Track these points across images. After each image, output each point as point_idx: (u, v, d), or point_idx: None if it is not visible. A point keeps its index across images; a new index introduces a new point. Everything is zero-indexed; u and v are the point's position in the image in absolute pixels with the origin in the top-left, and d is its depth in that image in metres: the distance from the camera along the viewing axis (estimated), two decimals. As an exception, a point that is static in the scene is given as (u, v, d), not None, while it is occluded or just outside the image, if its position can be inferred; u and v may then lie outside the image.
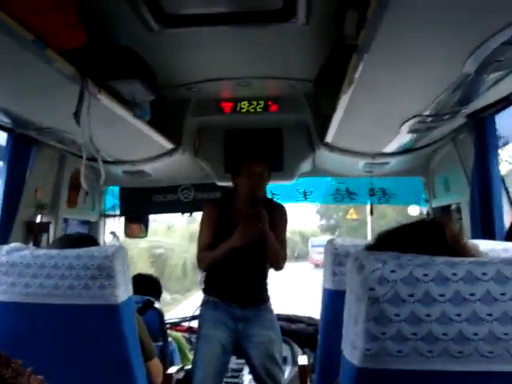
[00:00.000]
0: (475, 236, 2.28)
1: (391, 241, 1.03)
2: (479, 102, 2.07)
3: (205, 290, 2.84)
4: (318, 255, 27.56)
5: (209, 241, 2.75)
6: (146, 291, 3.00)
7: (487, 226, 2.24)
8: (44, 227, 2.85)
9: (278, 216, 2.81)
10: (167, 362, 2.92)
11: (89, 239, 1.99)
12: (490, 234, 2.19)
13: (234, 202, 2.79)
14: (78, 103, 1.80)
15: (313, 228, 37.74)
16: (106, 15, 1.91)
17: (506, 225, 2.25)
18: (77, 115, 1.83)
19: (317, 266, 26.73)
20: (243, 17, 1.96)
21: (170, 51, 2.30)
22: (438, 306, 0.82)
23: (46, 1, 1.49)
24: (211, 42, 2.19)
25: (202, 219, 2.85)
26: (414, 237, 0.99)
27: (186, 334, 3.72)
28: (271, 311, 2.86)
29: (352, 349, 0.87)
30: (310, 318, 4.06)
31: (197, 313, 2.94)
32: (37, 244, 2.72)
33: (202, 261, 2.77)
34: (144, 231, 4.23)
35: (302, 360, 2.88)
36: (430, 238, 0.98)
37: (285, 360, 3.41)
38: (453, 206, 3.26)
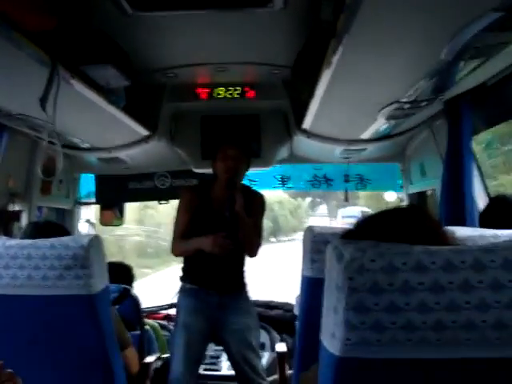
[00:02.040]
0: (446, 221, 2.30)
1: (370, 228, 1.02)
2: (456, 89, 2.08)
3: (182, 278, 2.83)
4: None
5: (184, 228, 2.73)
6: (117, 279, 2.96)
7: (459, 212, 2.26)
8: (15, 216, 2.79)
9: (255, 203, 2.80)
10: (145, 350, 2.90)
11: (58, 227, 1.95)
12: (461, 220, 2.21)
13: (212, 188, 2.77)
14: (46, 88, 1.75)
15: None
16: None
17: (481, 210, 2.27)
18: (43, 100, 1.77)
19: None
20: (220, 1, 1.92)
21: (145, 35, 2.25)
22: (417, 294, 0.82)
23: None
24: (187, 26, 2.15)
25: (179, 205, 2.83)
26: (393, 224, 0.99)
27: (164, 322, 3.71)
28: (248, 298, 2.86)
29: (331, 338, 0.86)
30: (286, 303, 4.08)
31: (174, 300, 2.92)
32: (8, 233, 2.67)
33: (175, 249, 2.77)
34: (120, 218, 4.18)
35: (281, 346, 2.90)
36: (409, 225, 0.97)
37: (263, 346, 3.43)
38: (428, 192, 3.29)
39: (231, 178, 2.65)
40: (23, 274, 1.55)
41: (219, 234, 2.59)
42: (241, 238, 2.67)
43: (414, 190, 3.43)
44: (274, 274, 13.35)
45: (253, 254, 2.79)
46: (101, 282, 1.60)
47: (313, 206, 35.15)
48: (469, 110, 2.25)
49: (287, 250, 18.07)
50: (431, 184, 3.06)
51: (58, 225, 2.07)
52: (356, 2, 1.28)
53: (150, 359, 2.70)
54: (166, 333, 3.56)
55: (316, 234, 1.71)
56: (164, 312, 3.96)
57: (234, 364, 2.75)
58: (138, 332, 2.92)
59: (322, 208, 35.39)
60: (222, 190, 2.68)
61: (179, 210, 2.80)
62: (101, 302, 1.59)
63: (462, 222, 2.19)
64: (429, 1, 1.26)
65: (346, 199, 3.98)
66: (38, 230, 1.87)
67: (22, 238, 1.81)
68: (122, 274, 3.23)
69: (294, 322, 1.93)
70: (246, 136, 3.19)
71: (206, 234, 2.64)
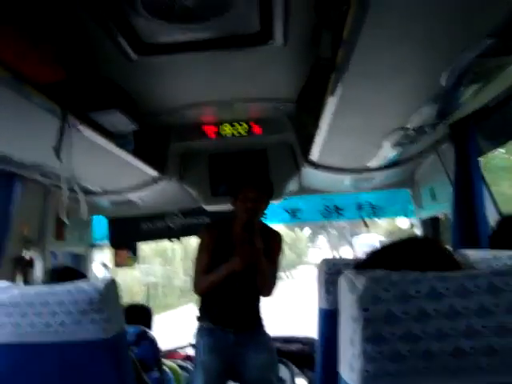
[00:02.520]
0: (459, 245, 2.28)
1: (382, 258, 1.02)
2: (460, 112, 2.10)
3: (199, 318, 2.81)
4: None
5: (206, 265, 2.72)
6: (137, 321, 2.96)
7: (472, 235, 2.25)
8: (31, 262, 2.82)
9: (273, 243, 2.79)
10: (163, 392, 2.87)
11: (75, 272, 1.97)
12: (474, 243, 2.19)
13: (232, 227, 2.77)
14: (59, 137, 1.80)
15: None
16: (84, 47, 1.91)
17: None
18: (57, 149, 1.82)
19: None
20: (221, 42, 1.97)
21: (150, 79, 2.30)
22: (433, 321, 0.82)
23: (21, 37, 1.49)
24: (191, 68, 2.20)
25: (200, 243, 2.83)
26: (405, 255, 0.99)
27: (183, 363, 3.67)
28: (266, 334, 2.83)
29: (350, 370, 0.86)
30: (306, 337, 4.03)
31: (192, 340, 2.90)
32: (25, 279, 2.68)
33: (199, 285, 2.74)
34: (134, 259, 4.19)
35: (301, 381, 2.85)
36: (421, 256, 0.98)
37: (283, 382, 3.37)
38: (441, 216, 3.28)
39: (249, 221, 2.65)
40: (41, 321, 1.55)
41: (240, 246, 2.60)
42: (258, 280, 2.67)
43: (425, 214, 3.41)
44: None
45: (268, 295, 2.77)
46: (117, 325, 1.60)
47: (313, 237, 33.89)
48: (474, 131, 2.26)
49: (287, 291, 17.16)
50: (442, 208, 3.05)
51: (75, 270, 2.08)
52: (353, 36, 1.31)
53: (169, 401, 2.67)
54: (185, 373, 3.52)
55: (330, 265, 1.71)
56: (183, 352, 3.93)
57: None
58: (157, 374, 2.89)
59: (322, 239, 34.04)
60: (241, 230, 2.67)
61: (200, 248, 2.80)
62: (118, 345, 1.58)
63: (476, 244, 2.17)
64: (424, 31, 1.29)
65: (366, 225, 3.97)
66: (58, 276, 1.88)
67: (41, 284, 1.82)
68: (142, 315, 3.23)
69: (314, 356, 1.91)
70: (254, 172, 3.22)
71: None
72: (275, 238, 2.82)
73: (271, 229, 2.90)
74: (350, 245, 29.40)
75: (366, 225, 3.94)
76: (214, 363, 2.65)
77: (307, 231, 31.89)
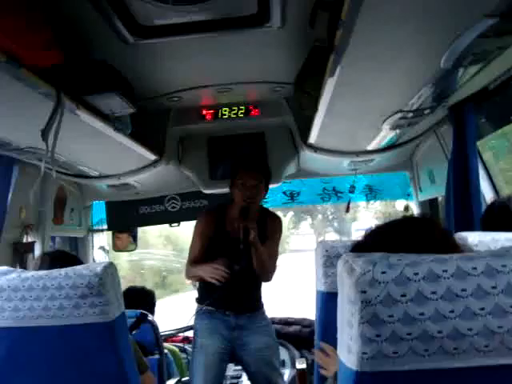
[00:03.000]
0: (455, 227, 2.29)
1: (379, 239, 1.02)
2: (459, 94, 2.09)
3: (198, 300, 2.83)
4: None
5: (199, 253, 2.73)
6: (139, 304, 2.98)
7: (468, 217, 2.25)
8: (30, 247, 2.82)
9: (272, 227, 2.80)
10: (164, 374, 2.90)
11: (69, 256, 1.97)
12: (470, 225, 2.20)
13: (228, 212, 2.77)
14: (49, 119, 1.78)
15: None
16: (81, 30, 1.89)
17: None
18: (45, 132, 1.80)
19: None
20: (218, 24, 1.95)
21: (148, 62, 2.28)
22: (431, 303, 0.82)
23: (18, 20, 1.47)
24: (188, 50, 2.18)
25: (195, 229, 2.83)
26: (403, 235, 0.99)
27: (182, 345, 3.70)
28: (265, 317, 2.86)
29: (348, 353, 0.86)
30: (304, 319, 4.06)
31: (191, 323, 2.92)
32: (24, 264, 2.69)
33: (188, 273, 2.77)
34: (133, 244, 4.20)
35: (300, 363, 2.87)
36: (418, 235, 0.98)
37: (283, 363, 3.40)
38: (440, 199, 3.28)
39: (245, 207, 2.65)
40: (40, 305, 1.55)
41: (218, 263, 2.62)
42: (255, 265, 2.67)
43: (424, 197, 3.41)
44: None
45: (267, 279, 2.78)
46: (117, 308, 1.61)
47: (296, 222, 31.78)
48: (473, 114, 2.25)
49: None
50: (441, 190, 3.05)
51: (70, 254, 2.09)
52: (351, 17, 1.30)
53: (170, 383, 2.70)
54: (184, 355, 3.55)
55: (328, 247, 1.71)
56: (181, 335, 3.96)
57: (255, 380, 2.73)
58: (157, 356, 2.92)
59: (304, 225, 32.23)
60: (237, 216, 2.68)
61: (195, 234, 2.81)
62: (118, 328, 1.59)
63: (472, 227, 2.17)
64: (423, 11, 1.28)
65: (348, 210, 3.97)
66: (52, 260, 1.88)
67: (36, 270, 1.82)
68: (144, 299, 3.25)
69: (313, 338, 1.93)
70: (252, 154, 3.21)
71: (218, 257, 2.66)
72: (274, 222, 2.83)
73: (270, 212, 2.91)
74: (337, 231, 28.95)
75: (347, 210, 3.93)
76: (213, 345, 2.68)
77: (290, 214, 29.86)
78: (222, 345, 2.70)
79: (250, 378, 2.81)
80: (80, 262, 1.93)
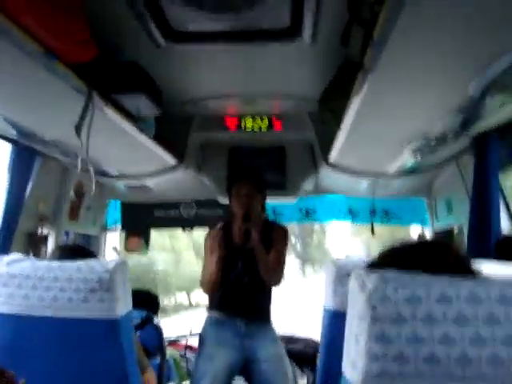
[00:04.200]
0: (473, 258, 2.26)
1: (393, 259, 1.01)
2: (484, 124, 2.07)
3: (208, 307, 2.82)
4: None
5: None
6: (143, 306, 2.98)
7: (486, 249, 2.23)
8: (44, 239, 2.85)
9: (277, 235, 2.80)
10: (164, 378, 2.89)
11: (86, 251, 1.98)
12: (488, 256, 2.17)
13: (233, 226, 2.79)
14: (82, 115, 1.81)
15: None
16: (115, 31, 1.93)
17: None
18: (78, 127, 1.84)
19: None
20: (250, 35, 1.98)
21: (177, 67, 2.31)
22: (441, 326, 0.81)
23: (57, 14, 1.50)
24: (218, 58, 2.21)
25: (205, 246, 2.85)
26: (417, 257, 0.98)
27: (183, 352, 3.68)
28: (274, 330, 2.83)
29: (353, 369, 0.85)
30: (309, 338, 4.02)
31: (195, 331, 2.91)
32: (37, 255, 2.71)
33: (203, 280, 2.76)
34: (145, 246, 4.21)
35: (302, 381, 2.85)
36: (433, 258, 0.97)
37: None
38: (455, 229, 3.25)
39: (246, 212, 2.68)
40: (49, 295, 1.57)
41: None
42: (259, 269, 2.67)
43: (439, 226, 3.38)
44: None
45: (274, 284, 2.77)
46: (124, 306, 1.61)
47: None
48: (496, 145, 2.23)
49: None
50: (457, 221, 3.02)
51: (87, 249, 2.09)
52: (384, 38, 1.30)
53: (169, 387, 2.69)
54: (185, 363, 3.53)
55: (338, 266, 1.70)
56: (185, 342, 3.94)
57: None
58: (158, 359, 2.91)
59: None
60: (238, 225, 2.71)
61: (205, 250, 2.83)
62: (123, 326, 1.60)
63: (490, 257, 2.15)
64: (455, 38, 1.28)
65: (373, 232, 3.93)
66: (68, 252, 1.89)
67: (51, 260, 1.84)
68: (148, 301, 3.25)
69: (316, 357, 1.91)
70: (271, 168, 3.23)
71: (225, 268, 2.66)
72: (279, 231, 2.83)
73: (275, 223, 2.92)
74: (300, 256, 26.95)
75: (372, 232, 3.89)
76: (223, 356, 2.65)
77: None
78: (232, 356, 2.67)
79: None
80: (95, 258, 1.94)
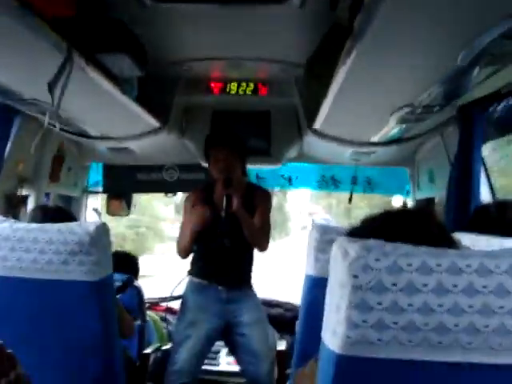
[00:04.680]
0: (453, 227, 2.29)
1: (375, 228, 1.02)
2: (470, 96, 2.07)
3: (190, 272, 2.82)
4: None
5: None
6: (122, 269, 2.97)
7: (464, 220, 2.26)
8: (23, 200, 2.81)
9: (259, 199, 2.80)
10: (144, 341, 2.92)
11: (66, 213, 1.96)
12: (466, 227, 2.20)
13: (213, 190, 2.77)
14: (57, 73, 1.75)
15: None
16: None
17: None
18: (52, 84, 1.78)
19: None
20: None
21: (162, 27, 2.26)
22: (421, 295, 0.82)
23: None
24: (204, 20, 2.16)
25: (185, 207, 2.84)
26: (399, 225, 0.99)
27: (163, 314, 3.71)
28: (255, 294, 2.86)
29: (332, 335, 0.86)
30: (288, 303, 4.09)
31: (175, 293, 2.92)
32: (16, 217, 2.68)
33: (179, 244, 2.76)
34: (126, 209, 4.19)
35: (281, 345, 2.90)
36: (414, 227, 0.97)
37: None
38: (436, 199, 3.28)
39: (226, 177, 2.66)
40: (29, 257, 1.56)
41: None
42: (245, 234, 2.68)
43: (421, 195, 3.41)
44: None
45: (261, 248, 2.79)
46: (105, 269, 1.61)
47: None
48: (481, 117, 2.24)
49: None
50: (439, 191, 3.05)
51: (67, 211, 2.07)
52: (373, 2, 1.28)
53: (149, 350, 2.71)
54: (166, 325, 3.57)
55: (321, 232, 1.71)
56: (165, 304, 3.97)
57: (247, 354, 2.72)
58: (139, 322, 2.93)
59: None
60: (220, 190, 2.68)
61: (185, 212, 2.81)
62: (104, 289, 1.60)
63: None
64: (446, 7, 1.26)
65: (350, 201, 3.95)
66: (48, 214, 1.87)
67: (29, 221, 1.82)
68: (128, 263, 3.25)
69: (295, 322, 1.94)
70: (256, 133, 3.20)
71: (204, 234, 2.66)
72: (262, 195, 2.83)
73: (259, 187, 2.93)
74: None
75: (350, 201, 3.91)
76: (204, 322, 2.68)
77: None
78: (213, 321, 2.70)
79: (237, 350, 2.79)
80: (75, 221, 1.92)
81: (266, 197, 2.86)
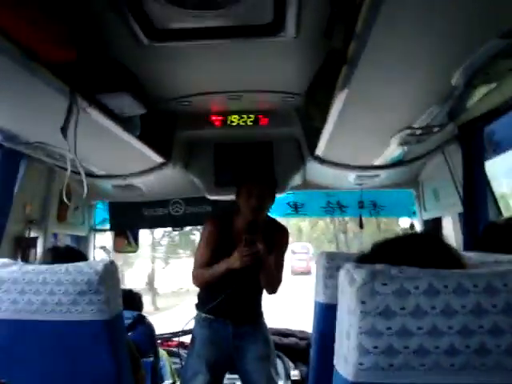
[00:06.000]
0: (465, 247, 2.29)
1: (383, 252, 1.02)
2: (469, 114, 2.09)
3: (198, 307, 2.80)
4: (300, 262, 27.23)
5: (206, 259, 2.68)
6: (127, 306, 2.95)
7: (473, 237, 2.25)
8: (32, 242, 2.83)
9: (278, 239, 2.75)
10: (157, 377, 2.89)
11: (77, 253, 1.97)
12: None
13: (234, 221, 2.74)
14: (66, 117, 1.80)
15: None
16: (97, 29, 1.91)
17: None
18: (64, 129, 1.82)
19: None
20: (233, 31, 1.96)
21: (160, 65, 2.30)
22: (429, 318, 0.82)
23: (35, 15, 1.48)
24: (201, 56, 2.20)
25: (203, 234, 2.81)
26: (407, 250, 0.99)
27: (176, 350, 3.68)
28: (265, 327, 2.83)
29: (344, 363, 0.86)
30: (302, 331, 4.05)
31: (187, 327, 2.90)
32: (25, 259, 2.69)
33: (197, 278, 2.71)
34: (134, 246, 4.20)
35: (295, 374, 2.86)
36: (423, 251, 0.97)
37: (277, 374, 3.38)
38: (444, 218, 3.27)
39: (253, 221, 2.57)
40: (38, 299, 1.56)
41: (241, 246, 2.50)
42: (261, 277, 2.63)
43: (428, 216, 3.40)
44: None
45: (273, 291, 2.75)
46: (115, 307, 1.61)
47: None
48: (481, 134, 2.25)
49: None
50: (445, 210, 3.04)
51: (77, 251, 2.08)
52: (366, 30, 1.30)
53: (163, 385, 2.69)
54: (177, 360, 3.53)
55: (329, 259, 1.71)
56: (177, 340, 3.94)
57: None
58: (151, 359, 2.91)
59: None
60: (243, 226, 2.60)
61: (201, 240, 2.78)
62: (114, 327, 1.59)
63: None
64: (437, 29, 1.28)
65: (361, 226, 3.93)
66: (58, 255, 1.88)
67: (41, 263, 1.82)
68: (131, 300, 3.23)
69: (309, 350, 1.92)
70: (259, 163, 3.22)
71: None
72: (281, 234, 2.79)
73: (277, 223, 2.87)
74: None
75: (361, 226, 3.90)
76: (210, 355, 2.65)
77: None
78: (220, 355, 2.67)
79: None
80: (86, 259, 1.92)
81: (285, 236, 2.82)
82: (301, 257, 27.56)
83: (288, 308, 12.58)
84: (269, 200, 2.70)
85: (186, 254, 23.55)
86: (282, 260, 2.78)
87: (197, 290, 2.85)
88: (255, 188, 2.63)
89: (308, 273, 26.50)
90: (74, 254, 1.97)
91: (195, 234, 19.59)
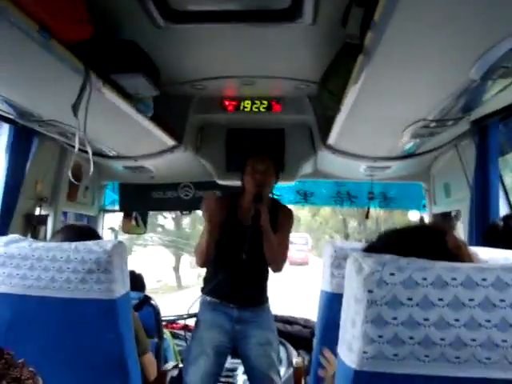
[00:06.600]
0: (473, 243, 2.28)
1: (391, 243, 1.02)
2: (484, 109, 2.06)
3: (203, 290, 2.82)
4: (298, 253, 27.22)
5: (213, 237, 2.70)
6: (131, 287, 2.97)
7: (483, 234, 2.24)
8: (42, 220, 2.85)
9: (282, 218, 2.77)
10: (161, 358, 2.91)
11: (91, 231, 1.98)
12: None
13: (239, 200, 2.76)
14: (79, 95, 1.80)
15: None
16: (113, 10, 1.90)
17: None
18: (75, 107, 1.82)
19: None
20: (250, 15, 1.95)
21: (176, 47, 2.29)
22: (437, 310, 0.82)
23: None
24: (217, 39, 2.19)
25: (203, 214, 2.81)
26: (415, 241, 0.99)
27: (181, 332, 3.71)
28: (269, 312, 2.84)
29: (348, 351, 0.86)
30: (306, 320, 4.06)
31: (192, 311, 2.92)
32: (35, 236, 2.72)
33: (197, 251, 2.72)
34: (142, 227, 4.22)
35: (298, 361, 2.88)
36: (430, 243, 0.97)
37: (280, 361, 3.40)
38: (453, 213, 3.25)
39: (259, 192, 2.62)
40: (47, 275, 1.57)
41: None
42: (265, 251, 2.65)
43: (437, 210, 3.39)
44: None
45: (277, 268, 2.75)
46: (122, 287, 1.62)
47: None
48: (496, 131, 2.23)
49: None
50: (456, 205, 3.03)
51: (93, 229, 2.08)
52: (384, 19, 1.29)
53: (167, 367, 2.71)
54: (181, 342, 3.56)
55: (336, 248, 1.71)
56: (182, 322, 3.96)
57: (253, 378, 2.72)
58: (156, 340, 2.93)
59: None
60: (248, 203, 2.66)
61: (205, 220, 2.79)
62: (121, 307, 1.60)
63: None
64: (456, 22, 1.26)
65: (367, 216, 3.93)
66: (74, 233, 1.89)
67: (57, 240, 1.83)
68: (135, 282, 3.25)
69: (312, 339, 1.93)
70: (270, 150, 3.21)
71: (227, 245, 2.65)
72: (285, 214, 2.81)
73: (281, 204, 2.90)
74: None
75: (367, 216, 3.89)
76: (212, 339, 2.67)
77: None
78: (222, 338, 2.69)
79: (246, 372, 2.80)
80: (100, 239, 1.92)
81: (290, 216, 2.84)
82: (300, 247, 27.55)
83: (287, 296, 12.64)
84: (273, 176, 2.72)
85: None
86: (286, 239, 2.79)
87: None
88: (260, 164, 2.68)
89: (306, 263, 26.67)
90: (89, 231, 1.98)
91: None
